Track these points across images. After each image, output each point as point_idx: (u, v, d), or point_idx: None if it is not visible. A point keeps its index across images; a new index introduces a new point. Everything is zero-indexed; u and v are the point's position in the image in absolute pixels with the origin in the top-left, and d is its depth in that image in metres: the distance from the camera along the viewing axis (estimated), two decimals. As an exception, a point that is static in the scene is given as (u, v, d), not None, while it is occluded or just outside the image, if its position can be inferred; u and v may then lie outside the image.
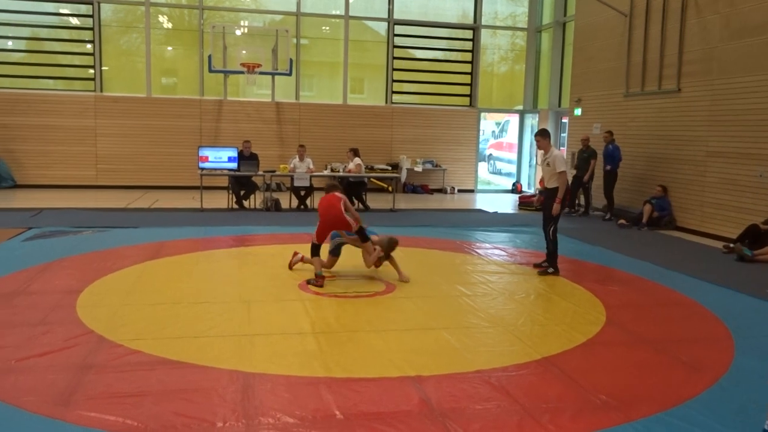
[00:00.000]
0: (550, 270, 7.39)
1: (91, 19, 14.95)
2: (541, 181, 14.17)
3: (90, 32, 15.04)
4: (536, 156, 7.67)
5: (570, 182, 12.66)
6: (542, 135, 7.53)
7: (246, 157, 12.38)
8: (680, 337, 5.21)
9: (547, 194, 7.53)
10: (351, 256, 7.28)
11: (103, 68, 15.24)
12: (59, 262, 7.20)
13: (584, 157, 12.65)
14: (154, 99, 15.32)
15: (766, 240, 8.74)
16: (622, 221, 11.48)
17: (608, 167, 12.05)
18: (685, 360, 4.62)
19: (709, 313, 5.89)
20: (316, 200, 12.61)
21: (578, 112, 14.34)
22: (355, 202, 12.99)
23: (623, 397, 3.93)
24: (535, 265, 7.68)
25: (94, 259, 7.44)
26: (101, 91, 15.15)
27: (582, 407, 3.77)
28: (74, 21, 15.38)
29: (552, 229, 7.38)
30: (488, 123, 20.96)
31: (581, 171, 12.65)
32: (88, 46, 15.13)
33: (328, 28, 16.94)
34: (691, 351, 4.81)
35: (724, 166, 10.20)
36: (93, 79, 15.15)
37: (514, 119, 18.61)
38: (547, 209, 7.46)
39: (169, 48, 16.34)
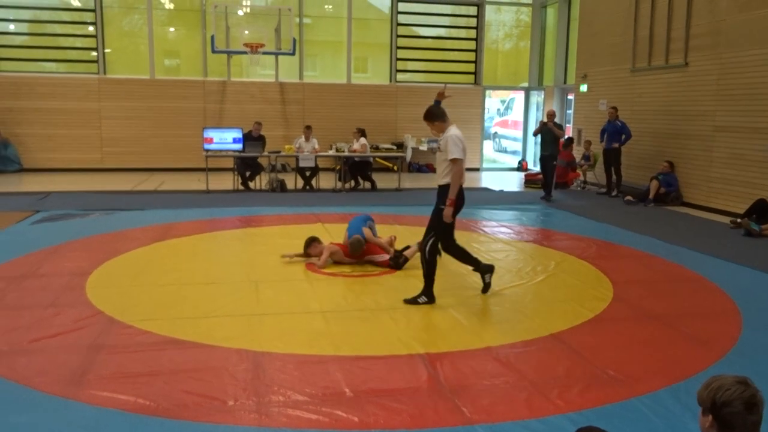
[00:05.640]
0: (421, 299, 5.24)
1: (92, 1, 14.84)
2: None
3: (92, 14, 14.92)
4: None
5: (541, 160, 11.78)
6: (428, 117, 5.22)
7: (253, 138, 12.35)
8: (687, 312, 5.21)
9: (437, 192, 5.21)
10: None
11: (105, 50, 15.16)
12: (68, 244, 7.24)
13: (549, 133, 11.52)
14: (158, 80, 15.26)
15: (773, 215, 8.70)
16: (628, 197, 11.43)
17: (615, 144, 11.93)
18: (693, 335, 4.63)
19: (716, 288, 5.88)
20: (321, 180, 12.74)
21: (584, 88, 14.21)
22: (361, 181, 12.99)
23: (631, 371, 3.94)
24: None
25: (102, 241, 7.48)
26: (104, 73, 15.09)
27: (590, 382, 3.79)
28: (75, 2, 15.27)
29: (430, 241, 5.21)
30: (493, 101, 20.76)
31: (551, 148, 11.51)
32: (90, 28, 15.04)
33: (330, 6, 16.76)
34: (699, 326, 4.81)
35: (731, 141, 10.11)
36: (96, 62, 15.08)
37: (520, 96, 18.46)
38: (433, 217, 5.21)
39: (172, 29, 16.22)
